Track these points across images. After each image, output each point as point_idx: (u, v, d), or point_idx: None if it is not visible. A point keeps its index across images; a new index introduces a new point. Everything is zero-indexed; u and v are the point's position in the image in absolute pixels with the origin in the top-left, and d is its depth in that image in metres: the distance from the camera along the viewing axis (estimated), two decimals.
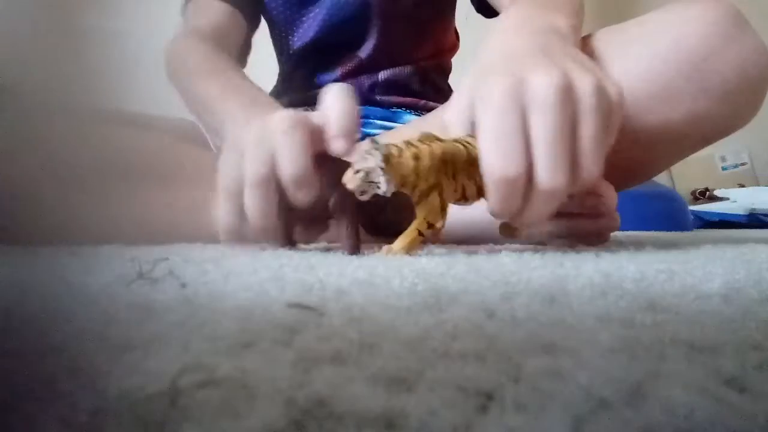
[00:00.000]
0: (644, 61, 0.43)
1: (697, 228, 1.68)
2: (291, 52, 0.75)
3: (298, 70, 0.76)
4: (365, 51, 0.72)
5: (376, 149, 0.32)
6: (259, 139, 0.36)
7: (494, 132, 0.31)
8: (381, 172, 0.32)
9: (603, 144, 0.33)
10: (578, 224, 0.45)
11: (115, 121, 0.50)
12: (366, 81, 0.73)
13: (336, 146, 0.36)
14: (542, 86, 0.31)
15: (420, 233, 0.34)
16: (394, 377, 0.10)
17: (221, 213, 0.38)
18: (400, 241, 0.34)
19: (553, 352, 0.12)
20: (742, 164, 2.11)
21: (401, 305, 0.17)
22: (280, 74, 0.80)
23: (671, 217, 1.39)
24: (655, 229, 1.23)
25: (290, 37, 0.74)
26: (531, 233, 0.47)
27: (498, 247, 0.44)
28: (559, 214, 0.46)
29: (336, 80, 0.73)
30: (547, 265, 0.28)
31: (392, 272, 0.24)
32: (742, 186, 1.97)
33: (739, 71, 0.41)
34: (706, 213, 1.81)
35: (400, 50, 0.74)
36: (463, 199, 0.36)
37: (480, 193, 0.35)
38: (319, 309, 0.16)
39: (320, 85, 0.74)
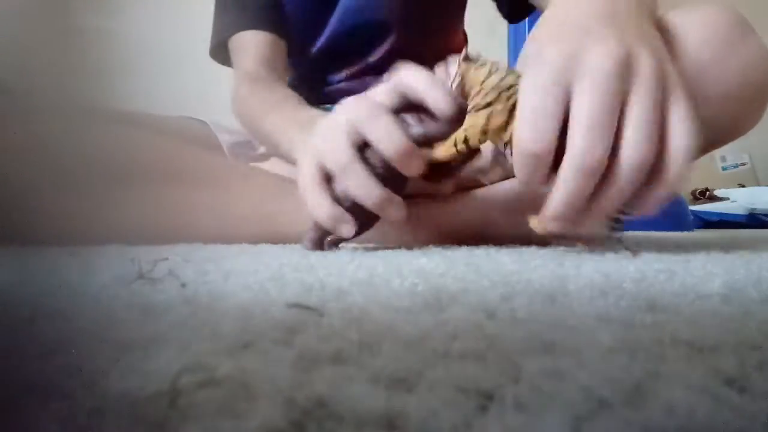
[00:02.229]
0: None
1: (697, 228, 1.68)
2: (310, 57, 0.75)
3: (313, 73, 0.76)
4: (377, 54, 0.73)
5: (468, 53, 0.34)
6: (332, 130, 0.38)
7: (532, 109, 0.31)
8: (456, 66, 0.34)
9: (652, 135, 0.30)
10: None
11: (116, 121, 0.50)
12: (371, 82, 0.74)
13: (444, 107, 0.36)
14: (595, 63, 0.30)
15: (455, 144, 0.35)
16: (394, 377, 0.10)
17: (322, 210, 0.38)
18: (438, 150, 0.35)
19: (553, 352, 0.12)
20: (742, 164, 2.11)
21: (401, 305, 0.17)
22: (295, 77, 0.80)
23: (671, 217, 1.39)
24: (655, 229, 1.23)
25: (310, 43, 0.74)
26: (531, 232, 0.47)
27: (498, 247, 0.44)
28: None
29: (341, 81, 0.74)
30: (547, 265, 0.28)
31: (392, 272, 0.24)
32: (742, 186, 1.97)
33: (741, 78, 0.41)
34: (706, 213, 1.81)
35: (410, 53, 0.74)
36: (502, 140, 0.34)
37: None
38: (319, 309, 0.16)
39: (330, 84, 0.75)
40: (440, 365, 0.11)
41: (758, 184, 2.01)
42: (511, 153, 0.33)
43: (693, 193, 1.99)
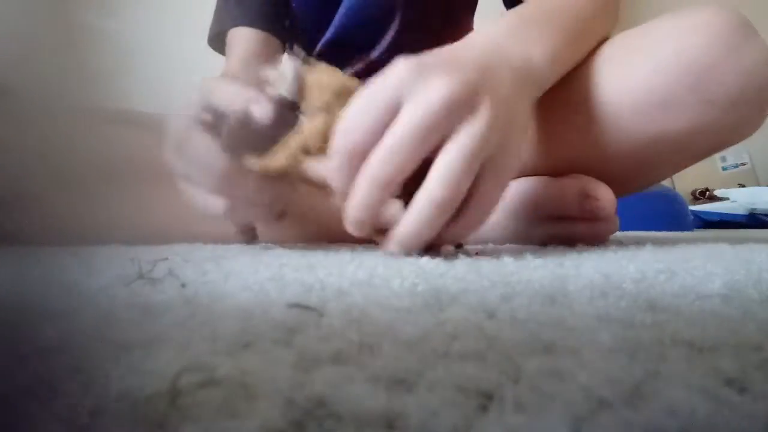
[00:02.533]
0: (645, 71, 0.42)
1: (697, 228, 1.68)
2: (314, 53, 0.75)
3: None
4: (377, 51, 0.72)
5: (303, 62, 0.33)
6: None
7: (355, 109, 0.30)
8: (294, 68, 0.33)
9: (450, 181, 0.29)
10: (577, 228, 0.45)
11: (115, 121, 0.50)
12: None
13: (258, 112, 0.34)
14: (428, 91, 0.29)
15: (293, 150, 0.32)
16: (394, 377, 0.10)
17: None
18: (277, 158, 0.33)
19: (553, 352, 0.12)
20: (742, 164, 2.12)
21: (401, 305, 0.17)
22: None
23: (671, 217, 1.39)
24: (655, 229, 1.23)
25: (315, 40, 0.74)
26: (531, 235, 0.47)
27: (498, 247, 0.44)
28: (559, 218, 0.46)
29: None
30: (547, 265, 0.28)
31: (392, 272, 0.24)
32: (742, 186, 1.97)
33: (743, 82, 0.40)
34: (706, 213, 1.81)
35: (413, 52, 0.74)
36: None
37: None
38: (319, 309, 0.16)
39: None
40: (440, 365, 0.11)
41: (758, 184, 2.01)
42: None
43: (693, 193, 2.00)
